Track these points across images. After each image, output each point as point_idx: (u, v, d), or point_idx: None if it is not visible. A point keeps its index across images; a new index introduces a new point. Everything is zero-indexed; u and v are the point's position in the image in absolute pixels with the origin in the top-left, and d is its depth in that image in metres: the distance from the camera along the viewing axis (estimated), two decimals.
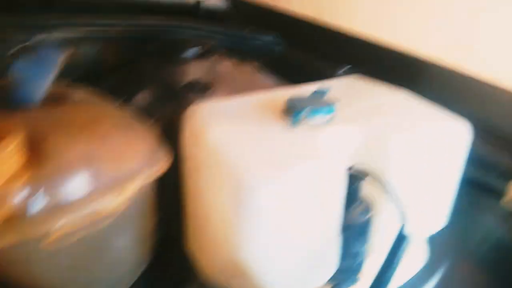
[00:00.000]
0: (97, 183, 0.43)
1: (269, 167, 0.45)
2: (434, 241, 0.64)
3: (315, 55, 1.02)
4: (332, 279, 0.53)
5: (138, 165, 0.48)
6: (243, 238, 0.45)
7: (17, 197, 0.38)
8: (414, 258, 0.62)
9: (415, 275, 0.62)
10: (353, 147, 0.51)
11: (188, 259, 0.59)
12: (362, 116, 0.56)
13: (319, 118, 0.53)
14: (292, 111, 0.53)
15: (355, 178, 0.50)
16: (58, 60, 0.51)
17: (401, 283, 0.60)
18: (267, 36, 1.02)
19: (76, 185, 0.42)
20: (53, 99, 0.51)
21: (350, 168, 0.49)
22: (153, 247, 0.56)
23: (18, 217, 0.38)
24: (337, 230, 0.50)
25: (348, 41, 0.98)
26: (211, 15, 1.17)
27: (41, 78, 0.50)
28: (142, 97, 0.71)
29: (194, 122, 0.55)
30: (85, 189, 0.42)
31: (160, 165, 0.49)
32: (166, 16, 0.96)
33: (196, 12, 1.14)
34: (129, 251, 0.51)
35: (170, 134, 0.56)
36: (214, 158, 0.48)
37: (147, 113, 0.63)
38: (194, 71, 0.76)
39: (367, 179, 0.50)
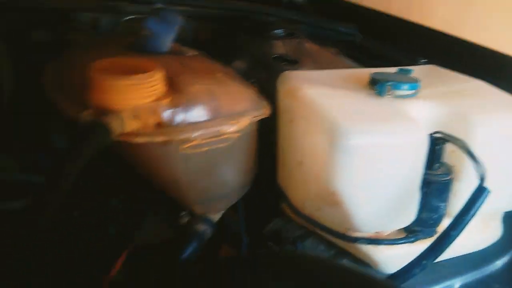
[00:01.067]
0: (217, 113, 0.54)
1: (360, 117, 0.53)
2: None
3: (390, 46, 1.08)
4: (410, 228, 0.59)
5: (247, 106, 0.58)
6: (334, 174, 0.53)
7: (163, 111, 0.49)
8: (487, 231, 0.67)
9: (486, 248, 0.67)
10: (436, 120, 0.57)
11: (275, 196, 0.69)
12: (445, 95, 0.62)
13: (404, 91, 0.60)
14: (378, 83, 0.60)
15: (437, 141, 0.56)
16: (178, 20, 0.63)
17: (470, 251, 0.66)
18: (345, 26, 1.10)
19: (202, 110, 0.53)
20: (174, 53, 0.63)
21: (433, 133, 0.56)
22: (251, 179, 0.66)
23: (165, 124, 0.49)
24: (417, 184, 0.56)
25: (424, 34, 1.04)
26: (293, 6, 1.27)
27: (167, 34, 0.62)
28: (238, 65, 0.81)
29: (290, 83, 0.64)
30: (210, 114, 0.53)
31: (263, 110, 0.59)
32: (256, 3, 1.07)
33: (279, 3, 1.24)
34: (237, 173, 0.62)
35: (264, 95, 0.66)
36: (310, 110, 0.57)
37: (243, 75, 0.74)
38: (282, 47, 0.86)
39: (449, 143, 0.56)
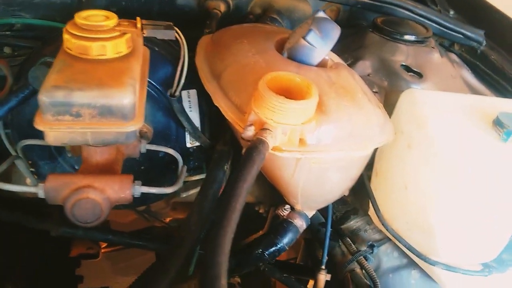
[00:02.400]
0: (350, 136, 0.61)
1: (480, 165, 0.59)
2: None
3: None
4: (488, 263, 0.67)
5: (375, 132, 0.64)
6: (441, 211, 0.61)
7: (308, 131, 0.57)
8: None
9: None
10: None
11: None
12: None
13: None
14: (504, 128, 0.63)
15: None
16: (337, 35, 0.67)
17: None
18: (473, 31, 1.07)
19: (338, 133, 0.60)
20: (321, 64, 0.69)
21: None
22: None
23: (304, 142, 0.57)
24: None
25: None
26: None
27: (323, 49, 0.67)
28: (363, 67, 0.85)
29: (416, 107, 0.69)
30: (343, 137, 0.60)
31: (389, 136, 0.65)
32: None
33: None
34: (346, 185, 0.70)
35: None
36: (435, 148, 0.62)
37: (366, 82, 0.78)
38: (411, 55, 0.88)
39: None
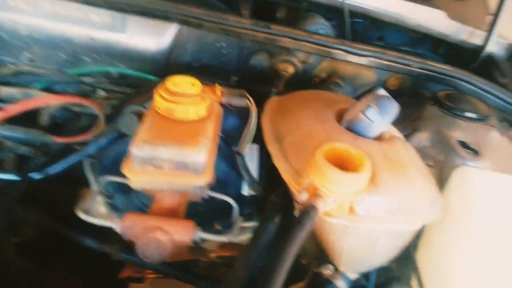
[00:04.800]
0: (398, 209, 0.65)
1: None
2: None
3: None
4: None
5: (426, 206, 0.67)
6: None
7: (358, 202, 0.62)
8: None
9: None
10: None
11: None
12: None
13: None
14: None
15: None
16: (396, 112, 0.72)
17: None
18: None
19: (387, 205, 0.64)
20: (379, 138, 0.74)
21: None
22: None
23: (354, 211, 0.62)
24: None
25: None
26: (490, 64, 1.24)
27: (381, 124, 0.72)
28: (420, 138, 0.89)
29: (465, 185, 0.71)
30: (391, 210, 0.64)
31: (438, 213, 0.68)
32: (452, 64, 1.09)
33: (475, 59, 1.23)
34: (391, 252, 0.72)
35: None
36: (480, 228, 0.64)
37: (422, 154, 0.81)
38: (469, 131, 0.90)
39: None
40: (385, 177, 0.65)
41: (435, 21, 1.26)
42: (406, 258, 0.83)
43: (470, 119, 0.91)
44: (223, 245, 1.32)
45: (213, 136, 0.65)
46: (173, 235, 0.60)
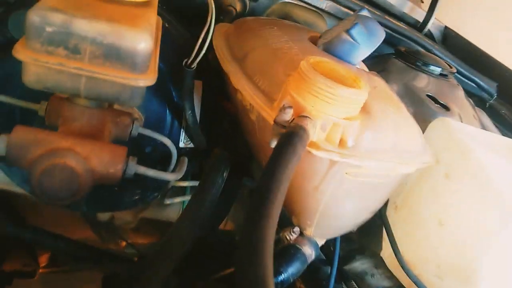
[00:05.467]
0: (394, 147, 0.51)
1: None
2: None
3: None
4: None
5: (419, 149, 0.55)
6: (488, 249, 0.50)
7: (351, 131, 0.47)
8: None
9: None
10: None
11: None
12: None
13: None
14: None
15: None
16: (382, 37, 0.59)
17: None
18: (487, 82, 1.04)
19: (383, 141, 0.50)
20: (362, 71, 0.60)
21: None
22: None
23: (344, 144, 0.47)
24: None
25: None
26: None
27: (367, 48, 0.58)
28: None
29: (455, 136, 0.60)
30: (387, 148, 0.50)
31: (431, 157, 0.56)
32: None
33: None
34: (369, 210, 0.59)
35: None
36: (483, 177, 0.53)
37: None
38: (436, 86, 0.81)
39: None
40: (379, 107, 0.51)
41: None
42: (369, 226, 0.70)
43: (435, 74, 0.83)
44: (140, 227, 1.08)
45: (155, 35, 0.45)
46: (93, 162, 0.39)
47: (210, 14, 0.53)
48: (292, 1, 0.92)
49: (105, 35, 0.37)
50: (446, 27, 1.29)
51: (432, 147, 0.61)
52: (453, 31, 1.29)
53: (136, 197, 0.67)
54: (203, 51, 0.55)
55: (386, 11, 1.20)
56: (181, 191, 0.76)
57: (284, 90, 0.47)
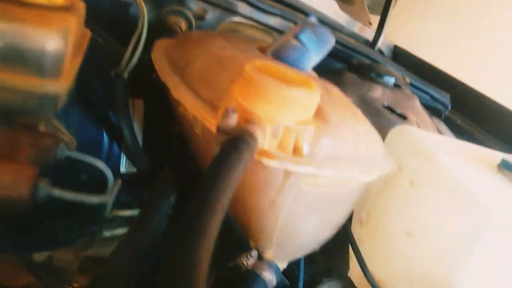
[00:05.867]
0: (354, 154, 0.47)
1: (509, 209, 0.46)
2: None
3: (479, 127, 1.02)
4: None
5: (380, 156, 0.50)
6: (463, 260, 0.46)
7: (305, 137, 0.42)
8: None
9: None
10: None
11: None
12: None
13: None
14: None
15: None
16: (332, 42, 0.56)
17: None
18: (440, 93, 1.04)
19: (341, 148, 0.46)
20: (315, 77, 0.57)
21: None
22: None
23: (299, 152, 0.42)
24: None
25: None
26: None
27: (316, 53, 0.55)
28: None
29: (416, 141, 0.57)
30: (346, 155, 0.46)
31: (392, 166, 0.52)
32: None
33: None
34: (331, 224, 0.53)
35: None
36: (449, 180, 0.50)
37: None
38: (391, 97, 0.79)
39: None
40: (335, 112, 0.47)
41: (329, 9, 1.22)
42: (335, 246, 0.65)
43: (390, 85, 0.81)
44: (85, 268, 0.97)
45: (76, 42, 0.39)
46: None
47: (141, 18, 0.48)
48: (240, 20, 0.89)
49: (4, 33, 0.31)
50: (395, 45, 1.32)
51: (394, 155, 0.57)
52: (402, 48, 1.31)
53: (72, 232, 0.58)
54: (135, 59, 0.49)
55: (337, 30, 1.21)
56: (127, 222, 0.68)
57: (229, 96, 0.42)
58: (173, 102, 0.53)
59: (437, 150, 0.54)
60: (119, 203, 0.62)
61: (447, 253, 0.48)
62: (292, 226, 0.50)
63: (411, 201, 0.53)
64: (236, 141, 0.35)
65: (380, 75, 0.81)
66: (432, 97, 1.01)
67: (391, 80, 0.82)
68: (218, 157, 0.32)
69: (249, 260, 0.54)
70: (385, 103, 0.76)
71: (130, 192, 0.64)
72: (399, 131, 0.61)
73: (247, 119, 0.40)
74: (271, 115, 0.40)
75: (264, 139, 0.40)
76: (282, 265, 0.58)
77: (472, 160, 0.58)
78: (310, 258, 0.70)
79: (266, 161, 0.40)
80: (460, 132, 1.01)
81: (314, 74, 0.61)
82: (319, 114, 0.45)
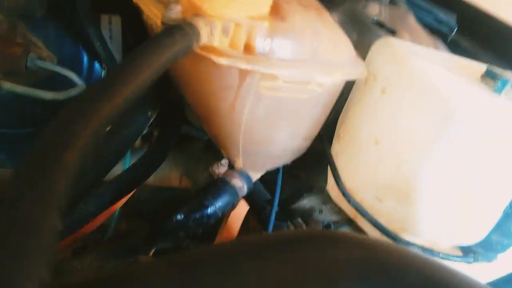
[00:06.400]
0: (315, 56, 0.45)
1: (478, 110, 0.45)
2: None
3: (487, 50, 0.97)
4: (471, 247, 0.52)
5: (346, 60, 0.49)
6: (426, 161, 0.46)
7: (259, 34, 0.41)
8: None
9: None
10: None
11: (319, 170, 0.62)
12: None
13: None
14: (497, 78, 0.51)
15: None
16: None
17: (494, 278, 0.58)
18: (446, 14, 0.98)
19: (301, 48, 0.44)
20: None
21: None
22: (307, 146, 0.58)
23: (254, 51, 0.41)
24: (505, 203, 0.49)
25: None
26: None
27: None
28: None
29: (396, 48, 0.55)
30: (306, 56, 0.45)
31: (361, 69, 0.50)
32: None
33: None
34: (301, 133, 0.53)
35: None
36: (422, 81, 0.48)
37: None
38: (384, 12, 0.76)
39: None
40: (295, 11, 0.46)
41: None
42: (317, 163, 0.66)
43: (385, 1, 0.77)
44: None
45: None
46: None
47: None
48: None
49: None
50: None
51: (373, 65, 0.56)
52: None
53: None
54: None
55: None
56: None
57: None
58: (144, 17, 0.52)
59: (411, 56, 0.52)
60: None
61: (410, 155, 0.47)
62: (257, 133, 0.50)
63: (381, 108, 0.52)
64: (171, 28, 0.34)
65: None
66: (437, 18, 0.95)
67: None
68: (147, 41, 0.32)
69: (220, 169, 0.55)
70: (375, 18, 0.73)
71: None
72: (381, 43, 0.59)
73: (193, 13, 0.39)
74: (219, 9, 0.39)
75: (213, 36, 0.40)
76: (256, 175, 0.59)
77: (455, 69, 0.56)
78: (294, 175, 0.72)
79: (215, 58, 0.40)
80: (467, 56, 0.96)
81: None
82: (277, 11, 0.44)
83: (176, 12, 0.38)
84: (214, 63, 0.41)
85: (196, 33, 0.36)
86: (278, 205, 0.64)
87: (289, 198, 0.70)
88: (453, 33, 0.99)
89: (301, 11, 0.46)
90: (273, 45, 0.43)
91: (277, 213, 0.64)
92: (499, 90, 0.50)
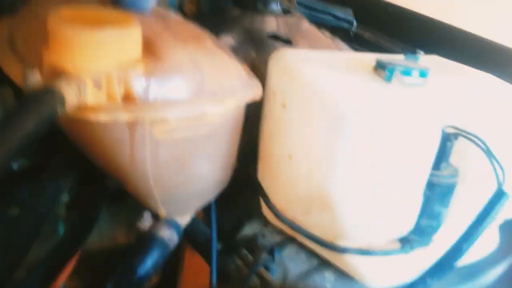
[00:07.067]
0: (201, 89, 0.44)
1: (367, 102, 0.45)
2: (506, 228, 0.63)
3: (386, 36, 1.01)
4: (405, 236, 0.52)
5: (237, 84, 0.49)
6: (330, 168, 0.45)
7: (135, 80, 0.39)
8: (485, 240, 0.60)
9: (483, 259, 0.61)
10: (446, 111, 0.50)
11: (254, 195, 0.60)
12: (453, 86, 0.55)
13: (413, 79, 0.52)
14: (386, 67, 0.52)
15: (449, 137, 0.49)
16: None
17: (468, 262, 0.59)
18: (342, 11, 1.01)
19: (184, 84, 0.43)
20: (158, 16, 0.53)
21: (444, 128, 0.48)
22: (229, 175, 0.57)
23: (134, 99, 0.39)
24: (422, 187, 0.49)
25: (418, 23, 0.98)
26: None
27: None
28: (226, 40, 0.71)
29: (287, 60, 0.55)
30: (192, 90, 0.43)
31: (255, 90, 0.50)
32: None
33: None
34: (215, 167, 0.52)
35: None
36: (310, 90, 0.48)
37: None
38: (278, 24, 0.76)
39: (460, 139, 0.48)
40: (170, 47, 0.44)
41: None
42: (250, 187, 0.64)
43: (279, 12, 0.78)
44: None
45: None
46: None
47: None
48: None
49: None
50: None
51: (272, 80, 0.55)
52: None
53: None
54: None
55: None
56: None
57: (36, 54, 0.38)
58: None
59: (302, 65, 0.52)
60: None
61: (316, 164, 0.47)
62: (169, 179, 0.48)
63: (286, 123, 0.51)
64: (26, 99, 0.32)
65: (265, 3, 0.77)
66: (334, 16, 0.98)
67: (277, 7, 0.79)
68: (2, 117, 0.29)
69: (144, 223, 0.52)
70: (269, 32, 0.74)
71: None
72: (275, 56, 0.59)
73: (55, 75, 0.36)
74: (83, 65, 0.37)
75: (84, 93, 0.37)
76: (185, 219, 0.56)
77: (348, 68, 0.56)
78: (232, 205, 0.70)
79: (92, 116, 0.38)
80: (370, 47, 0.99)
81: (163, 12, 0.57)
82: (151, 51, 0.42)
83: (34, 79, 0.35)
84: (96, 123, 0.38)
85: (58, 97, 0.34)
86: (222, 239, 0.61)
87: (231, 229, 0.67)
88: (353, 27, 1.03)
89: (178, 46, 0.45)
90: (153, 87, 0.41)
91: (222, 248, 0.62)
92: (388, 79, 0.51)
